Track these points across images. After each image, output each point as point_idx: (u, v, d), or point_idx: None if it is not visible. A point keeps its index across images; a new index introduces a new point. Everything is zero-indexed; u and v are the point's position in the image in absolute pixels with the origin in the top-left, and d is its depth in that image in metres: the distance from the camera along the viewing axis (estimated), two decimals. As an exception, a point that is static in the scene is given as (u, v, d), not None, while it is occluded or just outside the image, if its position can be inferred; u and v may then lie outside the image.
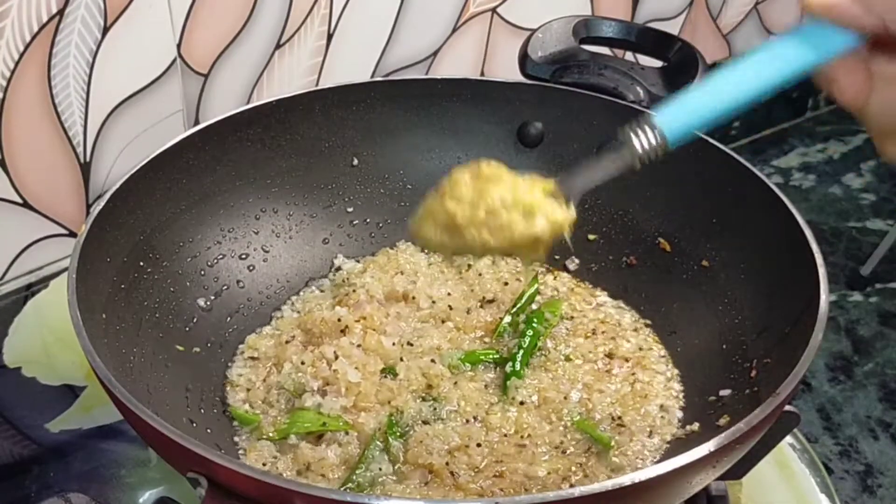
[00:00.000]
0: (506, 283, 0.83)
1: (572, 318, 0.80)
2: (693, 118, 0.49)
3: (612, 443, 0.68)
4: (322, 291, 0.84)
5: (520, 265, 0.86)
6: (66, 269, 0.65)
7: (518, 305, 0.79)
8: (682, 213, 0.82)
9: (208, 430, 0.69)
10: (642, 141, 0.51)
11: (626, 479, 0.50)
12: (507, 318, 0.78)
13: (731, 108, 0.49)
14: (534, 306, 0.80)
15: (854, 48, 0.48)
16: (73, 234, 0.98)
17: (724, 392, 0.70)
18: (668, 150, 0.50)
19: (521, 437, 0.69)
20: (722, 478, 0.63)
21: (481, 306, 0.80)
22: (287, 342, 0.76)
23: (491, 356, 0.75)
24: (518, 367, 0.74)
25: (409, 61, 1.17)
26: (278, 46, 1.03)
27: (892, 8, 0.47)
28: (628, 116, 0.82)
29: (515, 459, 0.66)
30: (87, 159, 0.95)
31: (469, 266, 0.86)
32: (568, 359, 0.76)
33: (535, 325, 0.77)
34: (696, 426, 0.69)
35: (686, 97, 0.50)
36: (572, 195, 0.58)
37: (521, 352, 0.74)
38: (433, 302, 0.80)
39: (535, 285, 0.82)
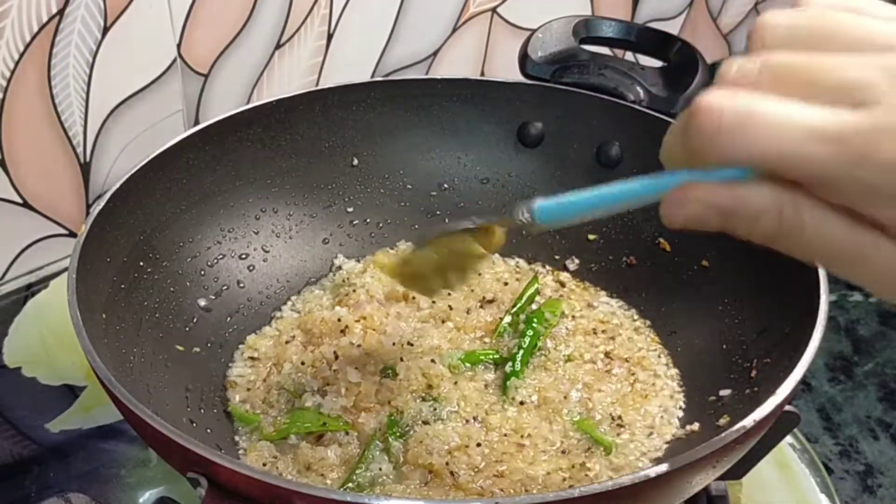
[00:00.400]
0: (506, 283, 0.83)
1: (573, 317, 0.80)
2: (563, 213, 0.51)
3: (613, 445, 0.68)
4: (322, 291, 0.84)
5: (520, 264, 0.87)
6: (66, 269, 0.64)
7: (518, 305, 0.79)
8: (682, 212, 0.81)
9: (208, 430, 0.69)
10: (523, 213, 0.53)
11: (626, 479, 0.50)
12: (507, 318, 0.78)
13: (599, 213, 0.51)
14: (533, 306, 0.80)
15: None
16: (73, 234, 0.98)
17: (724, 392, 0.70)
18: (538, 229, 0.52)
19: (521, 436, 0.69)
20: (722, 478, 0.63)
21: (481, 306, 0.80)
22: (287, 342, 0.76)
23: (491, 356, 0.75)
24: (518, 367, 0.74)
25: (409, 61, 1.16)
26: (278, 46, 1.03)
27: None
28: (628, 116, 0.84)
29: (515, 459, 0.66)
30: (87, 159, 0.95)
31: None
32: (568, 359, 0.76)
33: (535, 325, 0.77)
34: (696, 426, 0.69)
35: (568, 196, 0.52)
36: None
37: (521, 352, 0.74)
38: (433, 302, 0.80)
39: (535, 285, 0.82)
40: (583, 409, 0.71)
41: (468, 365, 0.74)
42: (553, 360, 0.75)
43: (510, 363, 0.74)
